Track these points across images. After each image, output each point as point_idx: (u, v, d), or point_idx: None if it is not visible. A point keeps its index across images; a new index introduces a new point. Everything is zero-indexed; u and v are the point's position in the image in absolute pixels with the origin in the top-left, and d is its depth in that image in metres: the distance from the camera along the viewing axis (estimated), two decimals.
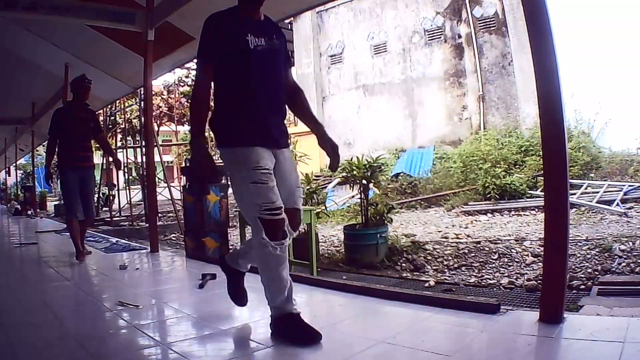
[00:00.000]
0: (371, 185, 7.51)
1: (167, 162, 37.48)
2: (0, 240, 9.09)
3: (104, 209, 19.16)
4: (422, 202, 12.82)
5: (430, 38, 17.26)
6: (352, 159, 7.58)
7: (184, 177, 6.16)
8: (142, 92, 15.61)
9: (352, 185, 7.52)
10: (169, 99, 25.22)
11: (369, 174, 7.17)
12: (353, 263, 7.17)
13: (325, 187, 14.38)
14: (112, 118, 20.10)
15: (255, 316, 3.12)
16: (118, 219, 15.85)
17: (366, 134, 18.07)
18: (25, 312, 3.27)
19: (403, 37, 17.71)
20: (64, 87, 9.43)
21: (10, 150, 22.09)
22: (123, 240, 7.82)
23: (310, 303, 3.50)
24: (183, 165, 6.36)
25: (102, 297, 3.67)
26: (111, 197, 18.09)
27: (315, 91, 19.55)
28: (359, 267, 7.06)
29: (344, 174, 7.49)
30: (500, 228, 9.96)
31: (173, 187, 17.13)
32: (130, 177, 18.91)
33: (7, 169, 27.05)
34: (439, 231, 9.92)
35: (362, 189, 7.15)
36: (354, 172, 7.21)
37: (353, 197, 12.50)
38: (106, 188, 18.91)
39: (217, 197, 5.78)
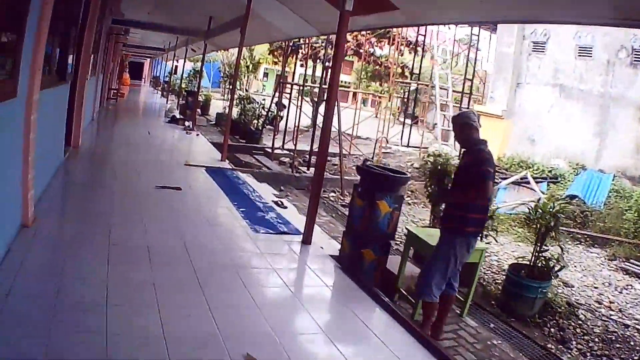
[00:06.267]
0: None
1: (345, 82, 36.41)
2: (138, 172, 8.08)
3: (268, 126, 19.39)
4: (588, 239, 11.58)
5: (636, 59, 14.95)
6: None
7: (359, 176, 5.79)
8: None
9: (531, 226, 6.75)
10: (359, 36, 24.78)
11: (552, 223, 6.39)
12: (505, 308, 6.63)
13: (499, 183, 13.40)
14: (297, 42, 19.83)
15: None
16: (280, 152, 15.84)
17: (552, 136, 16.45)
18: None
19: (610, 48, 15.55)
20: (245, 15, 9.21)
21: (179, 50, 22.69)
22: (272, 199, 7.52)
23: None
24: (361, 164, 5.88)
25: None
26: (278, 119, 17.81)
27: (512, 74, 18.08)
28: (509, 316, 6.54)
29: (528, 213, 6.76)
30: None
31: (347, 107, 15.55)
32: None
33: (175, 60, 27.39)
34: (595, 287, 8.92)
35: (540, 235, 6.41)
36: (538, 216, 6.46)
37: (523, 204, 11.62)
38: (275, 106, 18.65)
39: (390, 209, 5.40)
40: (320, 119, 14.47)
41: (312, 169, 13.61)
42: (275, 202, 7.52)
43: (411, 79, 23.38)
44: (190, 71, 31.60)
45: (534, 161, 16.19)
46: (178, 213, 6.15)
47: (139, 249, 4.68)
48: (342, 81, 18.18)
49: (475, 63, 20.85)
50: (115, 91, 20.86)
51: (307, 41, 19.16)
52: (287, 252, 5.52)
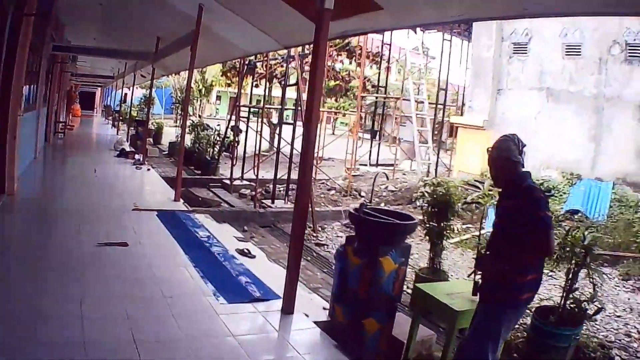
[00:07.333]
0: None
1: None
2: (79, 225, 6.65)
3: (225, 154, 18.02)
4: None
5: (631, 54, 14.15)
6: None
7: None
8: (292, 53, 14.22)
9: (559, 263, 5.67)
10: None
11: (587, 259, 5.34)
12: None
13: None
14: (253, 61, 18.46)
15: None
16: (239, 183, 14.57)
17: (541, 145, 14.88)
18: None
19: (601, 44, 14.64)
20: (196, 31, 8.19)
21: (129, 76, 21.42)
22: (235, 247, 6.41)
23: None
24: (356, 209, 4.64)
25: None
26: (235, 144, 16.41)
27: (492, 80, 16.85)
28: None
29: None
30: None
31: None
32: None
33: (126, 87, 25.97)
34: (617, 316, 8.03)
35: (572, 272, 5.35)
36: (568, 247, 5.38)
37: None
38: (231, 132, 17.28)
39: (395, 265, 4.24)
40: (282, 143, 13.44)
41: (277, 202, 12.41)
42: (241, 251, 6.31)
43: (377, 92, 22.42)
44: (141, 98, 29.89)
45: None
46: (124, 282, 4.78)
47: (73, 347, 3.43)
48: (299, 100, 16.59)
49: (448, 72, 19.80)
50: (63, 124, 19.11)
51: (264, 58, 17.91)
52: (265, 330, 4.33)
